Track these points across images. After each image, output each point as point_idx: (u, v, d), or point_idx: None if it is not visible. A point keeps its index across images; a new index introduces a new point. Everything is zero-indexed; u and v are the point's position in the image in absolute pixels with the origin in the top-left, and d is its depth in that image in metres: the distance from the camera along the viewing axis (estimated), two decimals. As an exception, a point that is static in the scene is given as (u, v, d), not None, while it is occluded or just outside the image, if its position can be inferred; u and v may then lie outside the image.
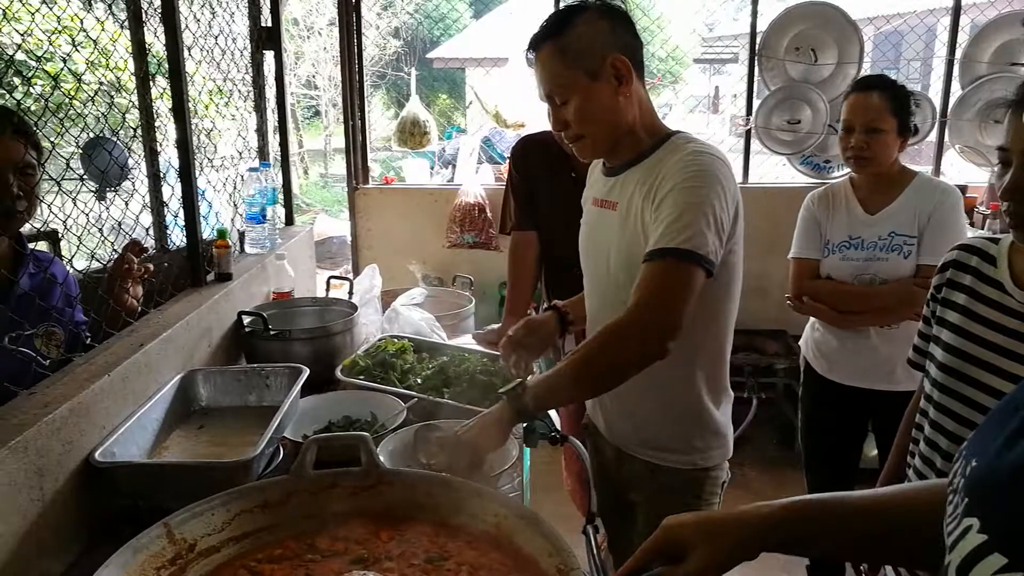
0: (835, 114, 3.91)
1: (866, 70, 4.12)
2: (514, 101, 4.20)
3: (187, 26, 2.08)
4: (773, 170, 4.42)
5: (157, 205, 2.30)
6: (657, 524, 1.71)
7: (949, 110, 3.94)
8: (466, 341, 2.50)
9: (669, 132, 1.62)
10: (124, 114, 1.96)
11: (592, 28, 1.52)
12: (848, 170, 2.41)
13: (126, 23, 2.07)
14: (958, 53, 3.88)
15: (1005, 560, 0.53)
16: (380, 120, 13.05)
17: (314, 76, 14.46)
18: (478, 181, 4.07)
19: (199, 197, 2.23)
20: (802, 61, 3.87)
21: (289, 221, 3.00)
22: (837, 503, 0.87)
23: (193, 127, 2.21)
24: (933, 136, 4.01)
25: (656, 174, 1.51)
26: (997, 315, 1.34)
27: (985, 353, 1.33)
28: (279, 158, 2.96)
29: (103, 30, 1.88)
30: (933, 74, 4.51)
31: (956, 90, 3.92)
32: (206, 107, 2.49)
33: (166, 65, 1.94)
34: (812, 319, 2.48)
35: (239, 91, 2.74)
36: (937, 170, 4.04)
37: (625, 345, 1.41)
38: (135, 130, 2.15)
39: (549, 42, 1.53)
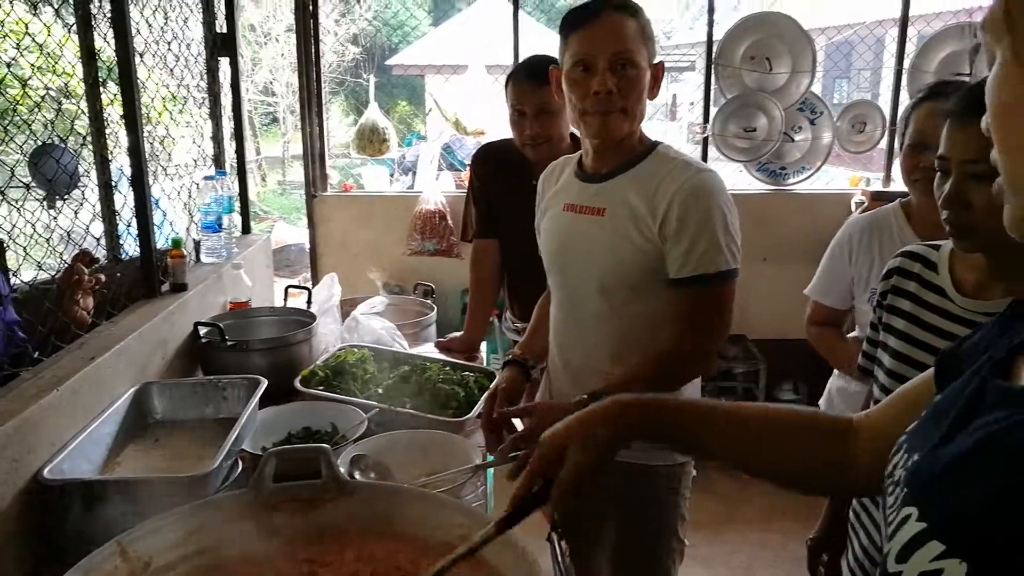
0: (790, 121, 3.99)
1: (819, 79, 4.21)
2: (473, 108, 4.19)
3: (138, 31, 2.03)
4: (730, 177, 4.48)
5: (109, 214, 2.24)
6: (639, 523, 1.74)
7: (899, 118, 4.03)
8: (428, 349, 2.48)
9: (653, 141, 1.69)
10: (72, 121, 1.91)
11: (651, 28, 1.62)
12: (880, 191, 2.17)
13: (74, 27, 2.01)
14: (906, 63, 3.99)
15: (943, 547, 0.56)
16: (339, 127, 12.93)
17: (271, 83, 14.29)
18: (439, 188, 4.05)
19: (153, 206, 2.18)
20: (757, 70, 3.94)
21: (246, 229, 2.95)
22: (704, 404, 1.00)
23: (146, 134, 2.17)
24: (883, 144, 4.12)
25: (655, 187, 1.58)
26: (941, 321, 1.37)
27: (930, 359, 1.35)
28: (235, 166, 2.92)
29: (50, 34, 1.83)
30: (883, 83, 4.62)
31: (904, 99, 4.03)
32: (159, 114, 2.44)
33: (117, 71, 1.89)
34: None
35: (194, 98, 2.69)
36: (888, 177, 4.14)
37: (687, 369, 1.64)
38: (85, 137, 2.09)
39: (629, 12, 1.58)
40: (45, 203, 2.12)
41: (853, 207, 3.90)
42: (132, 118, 1.88)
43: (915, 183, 1.86)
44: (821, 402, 2.28)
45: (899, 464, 0.71)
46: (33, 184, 1.93)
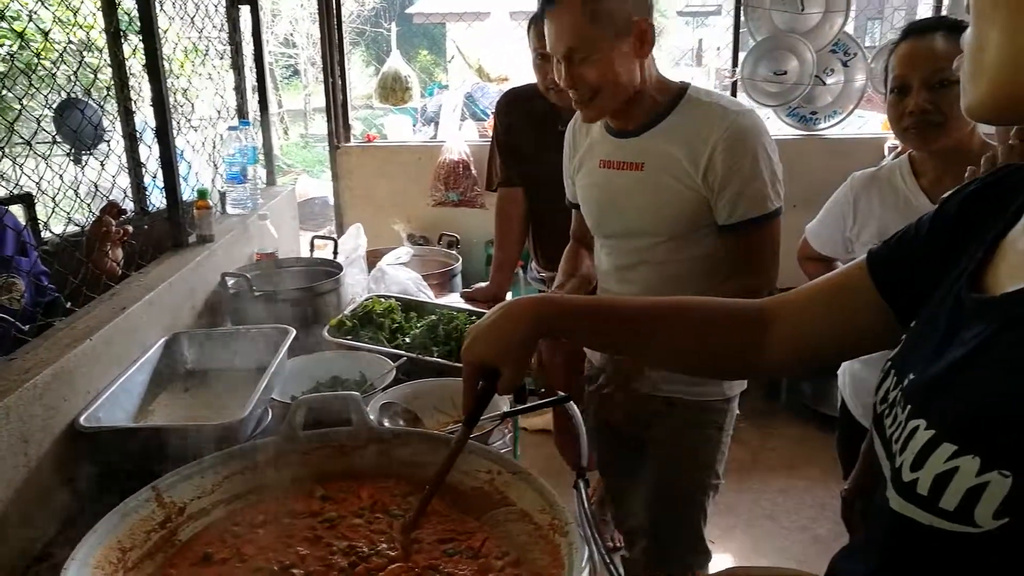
0: (822, 64, 3.87)
1: (851, 19, 4.07)
2: (497, 55, 4.12)
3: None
4: (759, 122, 4.39)
5: (134, 166, 2.24)
6: (678, 458, 1.80)
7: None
8: (453, 300, 2.48)
9: (680, 86, 1.64)
10: (95, 73, 1.90)
11: None
12: (895, 145, 2.15)
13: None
14: (946, 1, 3.84)
15: (955, 447, 0.59)
16: (360, 78, 12.80)
17: (292, 34, 14.15)
18: (462, 138, 4.01)
19: (178, 157, 2.18)
20: (788, 10, 3.81)
21: (271, 181, 2.95)
22: (616, 302, 1.08)
23: (169, 86, 2.15)
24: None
25: (694, 136, 1.57)
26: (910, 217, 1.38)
27: None
28: (259, 117, 2.90)
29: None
30: (919, 22, 4.47)
31: (942, 39, 3.89)
32: (181, 65, 2.42)
33: (137, 23, 1.87)
34: None
35: (215, 49, 2.66)
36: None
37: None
38: (108, 90, 2.09)
39: None
40: (71, 156, 2.14)
41: (886, 151, 3.80)
42: (155, 69, 1.87)
43: (906, 132, 1.69)
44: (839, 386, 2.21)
45: (890, 387, 0.74)
46: (59, 138, 1.94)
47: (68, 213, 1.66)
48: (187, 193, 2.12)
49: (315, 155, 12.55)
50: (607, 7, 1.51)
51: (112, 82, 2.10)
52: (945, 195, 0.85)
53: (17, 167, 1.56)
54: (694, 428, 1.77)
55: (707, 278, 1.64)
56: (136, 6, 1.85)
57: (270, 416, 1.61)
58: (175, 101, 2.51)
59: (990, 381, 0.60)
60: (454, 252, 2.90)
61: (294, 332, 1.75)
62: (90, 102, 2.11)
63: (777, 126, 4.11)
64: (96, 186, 1.78)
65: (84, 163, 1.88)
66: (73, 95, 2.05)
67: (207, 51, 2.58)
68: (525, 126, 2.46)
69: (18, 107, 1.57)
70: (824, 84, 3.94)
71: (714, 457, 1.81)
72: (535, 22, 2.26)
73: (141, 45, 1.88)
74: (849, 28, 4.07)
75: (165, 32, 2.10)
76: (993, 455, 0.56)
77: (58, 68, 1.95)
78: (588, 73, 1.54)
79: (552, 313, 0.99)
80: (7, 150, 1.51)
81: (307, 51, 13.85)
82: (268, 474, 1.20)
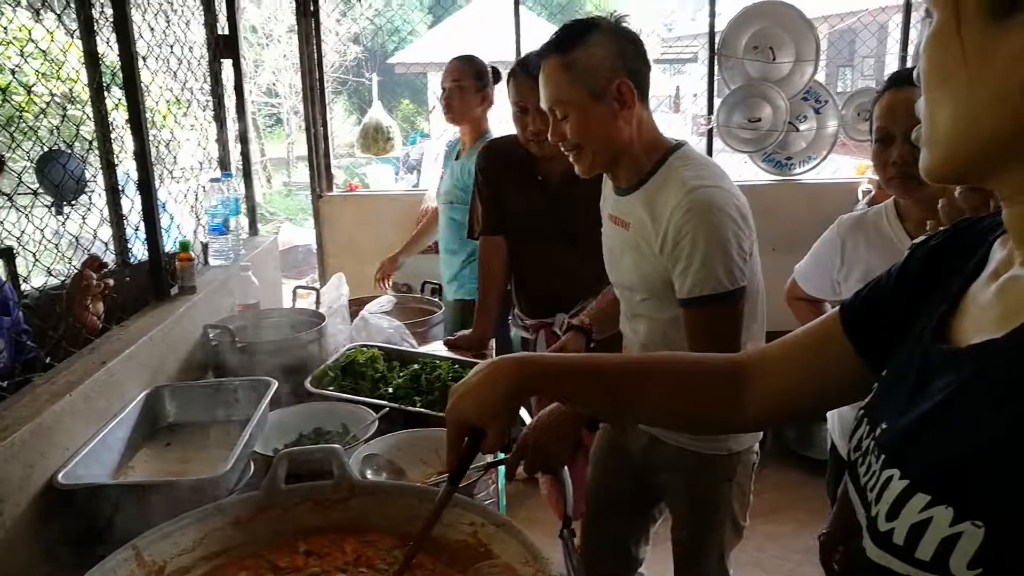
0: (795, 111, 3.97)
1: (822, 68, 4.19)
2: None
3: (141, 35, 2.04)
4: (736, 168, 4.47)
5: (116, 218, 2.25)
6: (691, 502, 1.80)
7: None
8: (436, 348, 2.48)
9: (669, 148, 1.64)
10: (78, 126, 1.91)
11: (602, 49, 1.55)
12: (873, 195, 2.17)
13: (76, 32, 2.01)
14: (910, 49, 3.96)
15: (928, 497, 0.60)
16: (343, 126, 12.94)
17: (275, 84, 14.30)
18: (444, 186, 4.04)
19: (160, 209, 2.19)
20: (760, 59, 3.92)
21: (253, 231, 2.96)
22: (595, 361, 1.06)
23: (152, 138, 2.17)
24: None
25: (663, 201, 1.56)
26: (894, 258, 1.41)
27: None
28: (241, 168, 2.92)
29: (52, 40, 1.83)
30: (887, 70, 4.60)
31: (911, 86, 4.01)
32: (163, 117, 2.45)
33: (120, 75, 1.89)
34: None
35: (197, 101, 2.69)
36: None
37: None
38: (90, 142, 2.10)
39: (557, 55, 1.56)
40: (53, 209, 2.13)
41: (860, 195, 3.88)
42: (137, 122, 1.89)
43: (890, 181, 1.74)
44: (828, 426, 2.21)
45: (864, 436, 0.76)
46: (41, 191, 1.94)
47: (47, 267, 1.66)
48: (169, 244, 2.12)
49: (298, 203, 12.59)
50: (586, 65, 1.54)
51: (95, 135, 2.11)
52: (912, 244, 0.87)
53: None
54: (706, 479, 1.77)
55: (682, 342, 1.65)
56: (119, 60, 1.87)
57: (252, 469, 1.59)
58: (157, 153, 2.54)
59: (960, 432, 0.61)
60: (437, 300, 2.90)
61: (276, 384, 1.75)
62: (73, 154, 2.12)
63: (753, 172, 4.19)
64: (76, 239, 1.78)
65: (67, 216, 1.88)
66: (55, 147, 2.06)
67: (190, 103, 2.61)
68: (506, 176, 2.49)
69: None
70: (798, 131, 4.03)
71: (727, 508, 1.80)
72: (512, 75, 2.31)
73: (124, 98, 1.90)
74: (820, 76, 4.19)
75: (148, 85, 2.12)
76: (965, 505, 0.57)
77: (40, 122, 1.97)
78: (568, 129, 1.59)
79: (534, 374, 1.00)
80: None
81: (290, 100, 13.99)
82: (250, 529, 1.19)
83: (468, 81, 3.00)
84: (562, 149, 1.65)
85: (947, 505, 0.58)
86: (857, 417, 0.81)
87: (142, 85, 1.90)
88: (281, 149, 15.43)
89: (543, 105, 1.63)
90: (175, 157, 2.46)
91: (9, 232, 1.73)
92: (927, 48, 0.63)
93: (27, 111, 1.92)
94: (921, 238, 0.87)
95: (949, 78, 0.62)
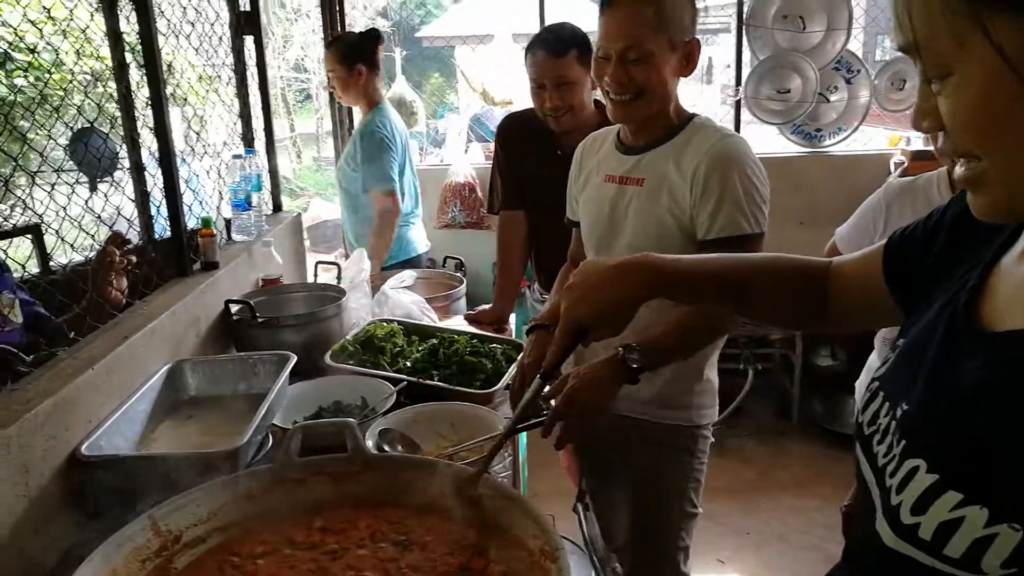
0: (825, 82, 3.88)
1: (858, 36, 4.08)
2: (501, 78, 4.15)
3: (162, 12, 2.05)
4: (764, 140, 4.39)
5: (140, 195, 2.27)
6: (653, 481, 1.78)
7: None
8: (458, 322, 2.49)
9: (691, 115, 1.71)
10: (99, 104, 1.93)
11: (686, 4, 1.60)
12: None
13: (98, 8, 2.03)
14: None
15: (960, 495, 0.58)
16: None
17: (303, 59, 14.32)
18: (468, 160, 4.04)
19: (189, 185, 2.22)
20: (790, 29, 3.83)
21: (277, 207, 2.98)
22: (706, 262, 1.07)
23: (179, 115, 2.18)
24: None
25: (690, 153, 1.61)
26: None
27: None
28: (265, 144, 2.93)
29: (73, 17, 1.85)
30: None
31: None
32: (195, 94, 2.47)
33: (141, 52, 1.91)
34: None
35: (219, 77, 2.71)
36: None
37: (724, 318, 1.59)
38: (112, 120, 2.12)
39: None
40: (88, 186, 2.17)
41: (892, 167, 3.80)
42: (157, 98, 1.90)
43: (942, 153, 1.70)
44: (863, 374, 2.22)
45: (881, 412, 0.74)
46: (71, 168, 1.98)
47: (72, 244, 1.69)
48: (193, 221, 2.15)
49: (327, 178, 12.64)
50: (672, 16, 1.57)
51: (119, 112, 2.13)
52: (949, 201, 0.84)
53: (30, 197, 1.59)
54: (668, 451, 1.76)
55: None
56: (139, 37, 1.88)
57: (271, 442, 1.62)
58: (188, 129, 2.57)
59: (998, 430, 0.58)
60: (459, 274, 2.91)
61: (295, 358, 1.77)
62: (102, 131, 2.15)
63: (782, 144, 4.12)
64: (99, 217, 1.80)
65: (94, 193, 1.91)
66: (85, 125, 2.08)
67: (211, 80, 2.62)
68: (525, 150, 2.48)
69: (32, 137, 1.60)
70: (828, 101, 3.95)
71: (684, 483, 1.79)
72: (530, 50, 2.28)
73: (145, 75, 1.92)
74: (855, 45, 4.08)
75: (170, 62, 2.14)
76: (1003, 508, 0.55)
77: (69, 100, 1.99)
78: (639, 74, 1.58)
79: (657, 278, 1.00)
80: (15, 181, 1.54)
81: (319, 75, 13.99)
82: (264, 501, 1.21)
83: (338, 68, 3.14)
84: (613, 93, 1.61)
85: (981, 506, 0.56)
86: (871, 388, 0.79)
87: (162, 62, 1.91)
88: (311, 124, 15.47)
89: (611, 47, 1.58)
90: (196, 134, 2.47)
91: (32, 211, 1.76)
92: (976, 106, 0.58)
93: (62, 88, 1.94)
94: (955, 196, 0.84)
95: (1015, 123, 0.56)
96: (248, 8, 2.75)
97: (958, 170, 0.63)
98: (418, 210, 3.43)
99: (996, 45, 0.55)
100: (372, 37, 3.18)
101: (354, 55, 3.13)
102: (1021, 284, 0.66)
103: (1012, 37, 0.54)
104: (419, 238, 3.39)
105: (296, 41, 13.72)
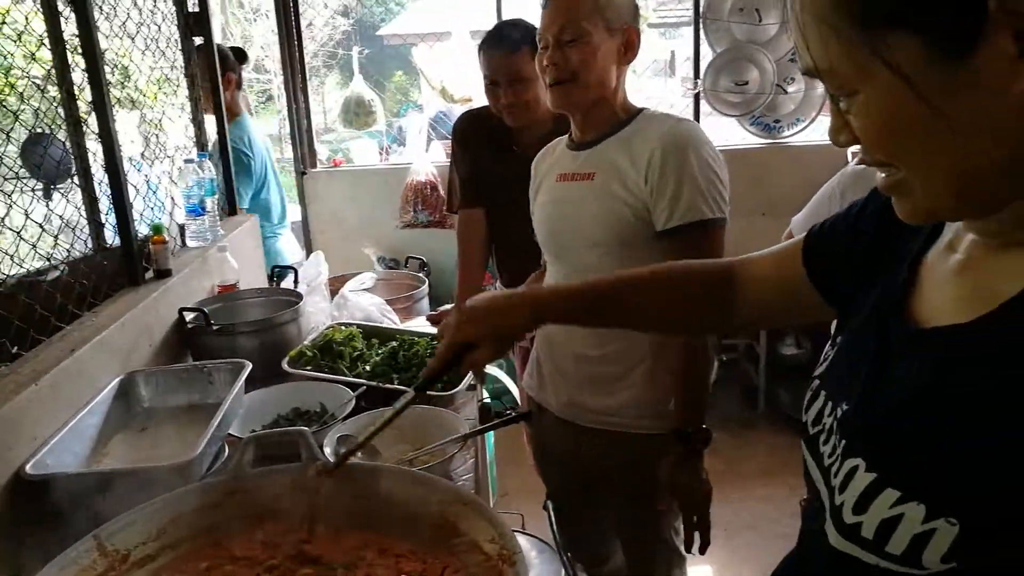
0: (782, 73, 3.91)
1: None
2: (459, 76, 4.13)
3: (104, 14, 1.99)
4: (724, 132, 4.42)
5: (89, 202, 2.22)
6: (635, 494, 1.78)
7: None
8: (420, 324, 2.46)
9: (639, 108, 1.69)
10: (37, 111, 1.87)
11: None
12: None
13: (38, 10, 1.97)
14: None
15: (899, 493, 0.59)
16: (338, 102, 12.76)
17: (263, 59, 14.13)
18: (429, 159, 4.00)
19: (140, 192, 2.16)
20: (747, 21, 3.85)
21: (232, 211, 2.92)
22: (599, 283, 1.10)
23: (134, 120, 2.12)
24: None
25: (642, 140, 1.59)
26: None
27: None
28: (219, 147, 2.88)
29: (5, 19, 1.79)
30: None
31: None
32: (132, 98, 2.41)
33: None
34: None
35: (171, 80, 2.65)
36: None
37: (702, 354, 1.62)
38: (54, 124, 2.06)
39: None
40: (43, 192, 2.10)
41: (849, 157, 3.84)
42: (100, 102, 1.85)
43: None
44: None
45: (825, 412, 0.75)
46: (25, 176, 1.92)
47: (11, 256, 1.63)
48: (144, 229, 2.10)
49: (290, 180, 12.50)
50: (611, 2, 1.57)
51: (64, 117, 2.07)
52: (869, 194, 0.85)
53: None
54: (647, 461, 1.71)
55: None
56: (79, 40, 1.83)
57: (226, 452, 1.59)
58: (147, 132, 2.51)
59: (932, 427, 0.59)
60: (421, 274, 2.88)
61: (250, 366, 1.73)
62: (54, 137, 2.09)
63: (741, 135, 4.15)
64: (42, 226, 1.75)
65: (51, 198, 1.86)
66: (39, 132, 2.02)
67: (174, 80, 2.57)
68: (482, 147, 2.46)
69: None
70: (786, 93, 3.98)
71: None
72: (482, 47, 2.27)
73: (87, 78, 1.86)
74: (809, 36, 4.11)
75: (125, 67, 2.08)
76: (939, 503, 0.56)
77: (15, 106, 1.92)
78: (574, 54, 1.57)
79: (542, 306, 1.07)
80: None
81: (280, 77, 13.81)
82: (218, 514, 1.18)
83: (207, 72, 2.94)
84: (549, 77, 1.62)
85: (918, 502, 0.57)
86: (812, 387, 0.79)
87: (103, 64, 1.86)
88: (274, 125, 15.28)
89: (547, 31, 1.60)
90: (145, 138, 2.42)
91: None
92: (883, 123, 0.59)
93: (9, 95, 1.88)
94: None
95: (923, 138, 0.58)
96: (197, 8, 2.70)
97: (879, 178, 0.64)
98: (286, 222, 3.35)
99: (893, 65, 0.56)
100: (240, 53, 3.07)
101: (223, 63, 2.95)
102: (945, 279, 0.67)
103: (907, 55, 0.55)
104: (289, 249, 3.31)
105: (256, 41, 13.53)
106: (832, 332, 0.85)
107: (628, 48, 1.63)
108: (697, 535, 1.70)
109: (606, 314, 1.10)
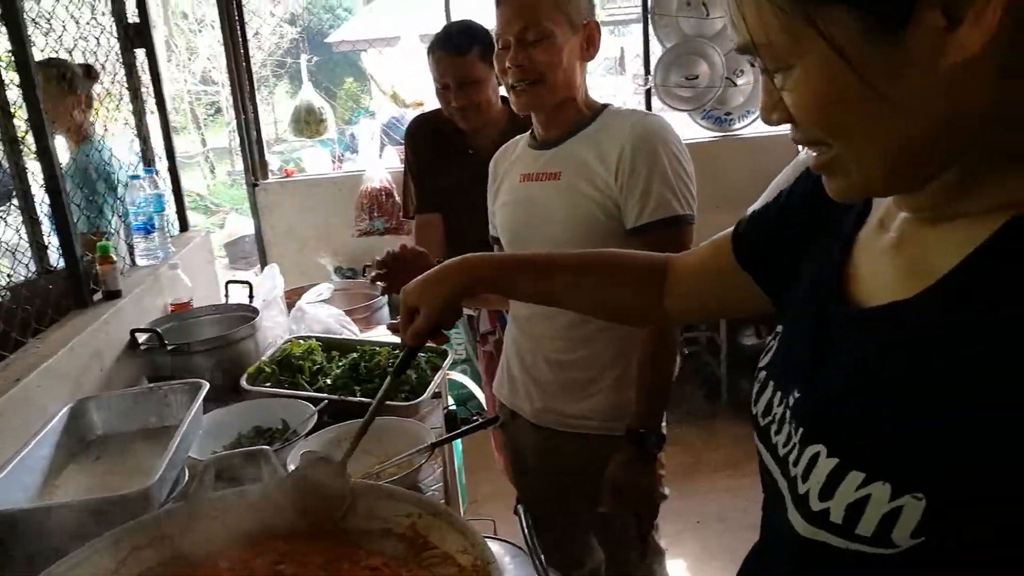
0: (731, 66, 3.95)
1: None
2: (410, 80, 4.09)
3: (38, 26, 1.93)
4: (676, 127, 4.43)
5: (31, 224, 2.14)
6: (625, 494, 1.75)
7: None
8: (380, 334, 2.43)
9: (603, 104, 1.67)
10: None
11: None
12: None
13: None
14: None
15: (863, 474, 0.58)
16: (288, 111, 12.61)
17: (211, 71, 13.89)
18: (382, 165, 3.96)
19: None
20: (694, 16, 3.89)
21: (183, 227, 2.85)
22: (540, 259, 1.13)
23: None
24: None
25: (610, 137, 1.57)
26: None
27: None
28: (167, 161, 2.81)
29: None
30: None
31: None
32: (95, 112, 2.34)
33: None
34: None
35: (112, 95, 2.58)
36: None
37: (668, 349, 1.62)
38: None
39: None
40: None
41: (801, 147, 3.89)
42: (38, 121, 1.79)
43: None
44: None
45: (774, 401, 0.75)
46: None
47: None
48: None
49: (242, 193, 12.25)
50: None
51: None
52: (801, 174, 0.85)
53: None
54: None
55: None
56: (12, 56, 1.77)
57: (187, 476, 1.54)
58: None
59: (887, 405, 0.59)
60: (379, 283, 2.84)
61: (207, 385, 1.67)
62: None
63: (694, 130, 4.17)
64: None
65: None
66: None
67: (117, 95, 2.50)
68: (436, 152, 2.43)
69: None
70: (735, 85, 4.02)
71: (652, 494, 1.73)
72: (431, 51, 2.24)
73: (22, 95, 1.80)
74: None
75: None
76: (903, 480, 0.56)
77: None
78: (539, 55, 1.54)
79: (478, 274, 1.08)
80: None
81: (228, 88, 13.58)
82: (183, 542, 1.13)
83: (52, 88, 2.54)
84: (513, 78, 1.57)
85: (883, 481, 0.57)
86: (760, 378, 0.79)
87: (37, 77, 1.79)
88: (223, 138, 15.03)
89: (508, 30, 1.55)
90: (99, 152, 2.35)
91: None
92: (819, 97, 0.59)
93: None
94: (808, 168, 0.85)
95: (857, 112, 0.58)
96: (137, 19, 2.63)
97: (811, 157, 0.65)
98: None
99: (828, 38, 0.56)
100: (89, 69, 2.91)
101: (63, 86, 2.56)
102: (880, 257, 0.68)
103: (842, 29, 0.56)
104: None
105: (202, 52, 13.28)
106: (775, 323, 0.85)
107: (590, 44, 1.60)
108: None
109: (536, 287, 1.12)
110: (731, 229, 0.96)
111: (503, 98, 2.29)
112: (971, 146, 0.58)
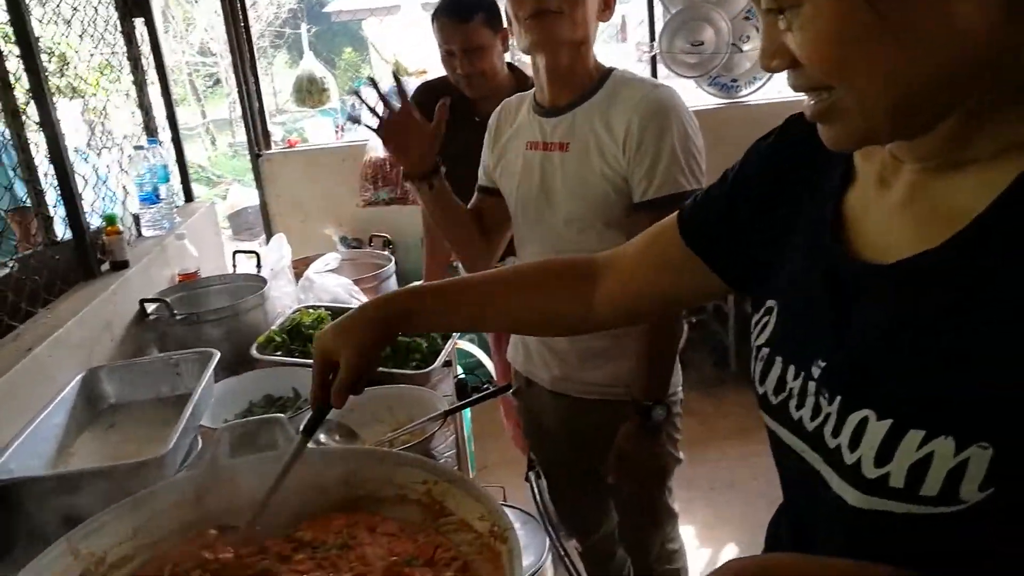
0: (737, 32, 3.90)
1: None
2: (412, 48, 4.04)
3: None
4: (682, 94, 4.39)
5: (35, 196, 2.13)
6: (630, 464, 1.75)
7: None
8: (388, 302, 2.42)
9: (608, 68, 1.62)
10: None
11: None
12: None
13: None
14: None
15: (923, 432, 0.57)
16: (288, 81, 12.50)
17: (209, 42, 13.75)
18: (386, 134, 3.92)
19: (89, 182, 2.08)
20: (700, -20, 3.83)
21: (188, 198, 2.84)
22: (456, 284, 1.10)
23: (77, 108, 2.02)
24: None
25: (618, 108, 1.52)
26: None
27: None
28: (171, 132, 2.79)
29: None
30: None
31: None
32: (73, 85, 2.31)
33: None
34: None
35: (115, 66, 2.55)
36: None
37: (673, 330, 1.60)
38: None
39: None
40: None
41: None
42: (39, 89, 1.77)
43: None
44: None
45: (788, 377, 0.72)
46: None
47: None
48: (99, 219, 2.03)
49: (244, 164, 12.18)
50: None
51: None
52: (739, 161, 0.85)
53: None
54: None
55: None
56: (11, 25, 1.74)
57: (200, 444, 1.54)
58: (92, 120, 2.41)
59: (938, 356, 0.58)
60: (387, 252, 2.84)
61: (218, 354, 1.68)
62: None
63: (700, 97, 4.12)
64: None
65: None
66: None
67: (117, 67, 2.48)
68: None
69: None
70: (742, 51, 3.97)
71: (667, 461, 1.74)
72: (436, 17, 2.21)
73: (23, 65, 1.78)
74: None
75: (61, 55, 1.99)
76: (967, 431, 0.55)
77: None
78: (564, 26, 1.48)
79: (398, 312, 1.01)
80: None
81: (227, 59, 13.44)
82: (199, 508, 1.14)
83: None
84: (521, 15, 1.50)
85: (946, 435, 0.55)
86: (762, 356, 0.76)
87: (38, 48, 1.77)
88: (223, 109, 14.92)
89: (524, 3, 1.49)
90: (89, 126, 2.33)
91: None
92: (831, 35, 0.57)
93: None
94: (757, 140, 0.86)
95: (868, 49, 0.57)
96: (135, -12, 2.59)
97: (810, 104, 0.63)
98: None
99: None
100: None
101: None
102: (893, 212, 0.66)
103: None
104: None
105: (200, 23, 13.14)
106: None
107: (607, 5, 1.57)
108: None
109: (461, 317, 1.07)
110: (670, 218, 0.92)
111: (509, 65, 2.26)
112: (976, 89, 0.57)
